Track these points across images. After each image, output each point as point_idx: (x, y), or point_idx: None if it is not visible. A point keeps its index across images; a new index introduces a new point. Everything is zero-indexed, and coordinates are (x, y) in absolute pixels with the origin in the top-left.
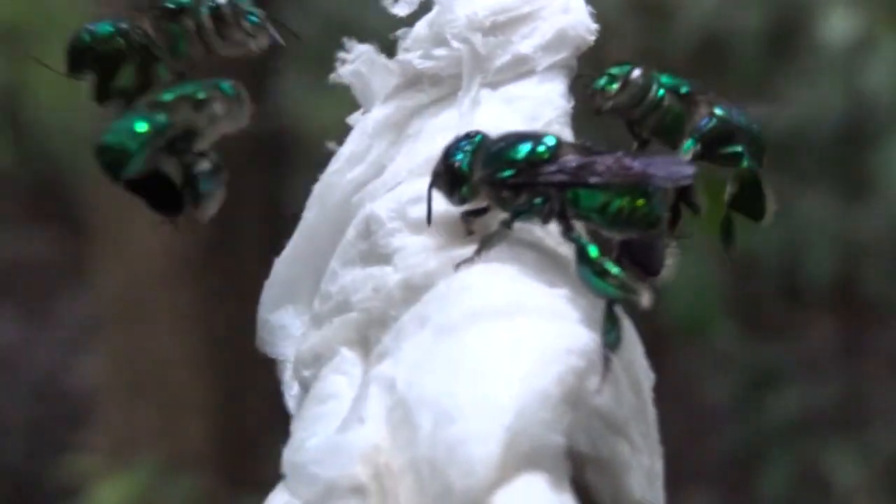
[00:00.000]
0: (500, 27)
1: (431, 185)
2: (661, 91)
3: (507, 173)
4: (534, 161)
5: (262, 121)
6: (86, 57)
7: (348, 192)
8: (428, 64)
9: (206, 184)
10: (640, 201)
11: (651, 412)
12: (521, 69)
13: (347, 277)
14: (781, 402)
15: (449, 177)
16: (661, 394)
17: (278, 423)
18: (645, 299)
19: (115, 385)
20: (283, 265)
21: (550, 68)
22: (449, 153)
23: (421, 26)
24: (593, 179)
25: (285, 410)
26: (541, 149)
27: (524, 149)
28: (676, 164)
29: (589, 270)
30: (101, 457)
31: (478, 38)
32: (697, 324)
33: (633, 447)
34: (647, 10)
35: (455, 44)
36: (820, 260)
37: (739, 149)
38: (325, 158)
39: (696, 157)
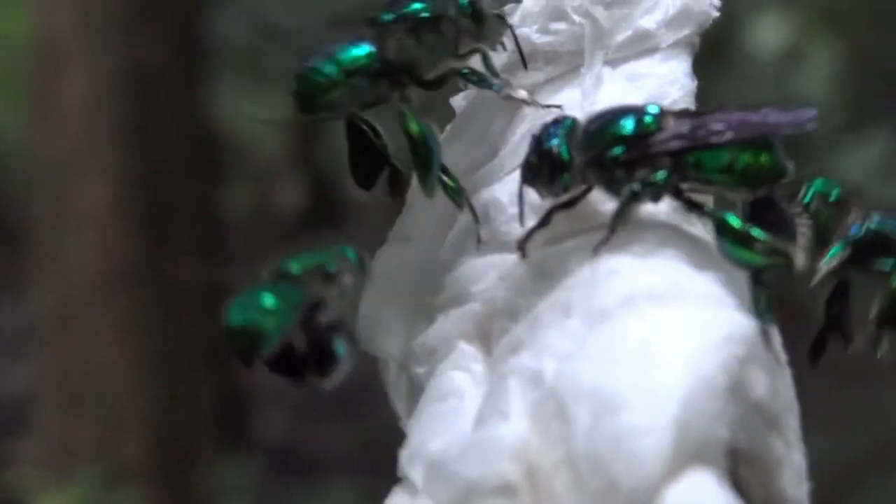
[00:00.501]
0: (621, 0)
1: (523, 181)
2: (808, 197)
3: (619, 150)
4: (643, 133)
5: (194, 128)
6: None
7: (462, 176)
8: (547, 39)
9: (337, 356)
10: (764, 154)
11: (796, 405)
12: (643, 45)
13: (463, 267)
14: None
15: (547, 166)
16: None
17: (216, 435)
18: (800, 260)
19: (51, 396)
20: (386, 257)
21: (674, 45)
22: (541, 141)
23: (530, 1)
24: (716, 139)
25: (224, 422)
26: (648, 119)
27: (630, 123)
28: (794, 109)
29: (732, 242)
30: (38, 469)
31: (600, 12)
32: None
33: (787, 443)
34: None
35: (576, 17)
36: None
37: (893, 262)
38: (256, 164)
39: (843, 264)
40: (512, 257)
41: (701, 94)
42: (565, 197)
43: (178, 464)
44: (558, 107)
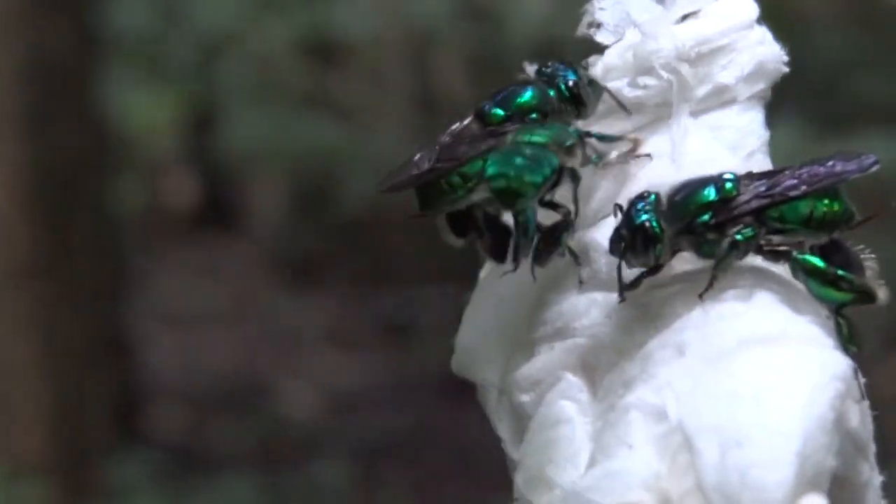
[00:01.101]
0: (702, 58)
1: (612, 252)
2: None
3: (707, 216)
4: (726, 198)
5: (90, 122)
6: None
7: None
8: (637, 93)
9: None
10: (836, 201)
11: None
12: (722, 99)
13: (565, 303)
14: None
15: (641, 240)
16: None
17: (114, 430)
18: (883, 294)
19: None
20: (485, 289)
21: (750, 98)
22: (631, 217)
23: (614, 55)
24: (793, 193)
25: (121, 417)
26: (728, 185)
27: (712, 191)
28: (856, 157)
29: (820, 282)
30: None
31: (685, 68)
32: None
33: (871, 467)
34: (477, 17)
35: (663, 73)
36: None
37: None
38: (148, 159)
39: None
40: (614, 296)
41: None
42: (650, 266)
43: (76, 459)
44: (647, 156)
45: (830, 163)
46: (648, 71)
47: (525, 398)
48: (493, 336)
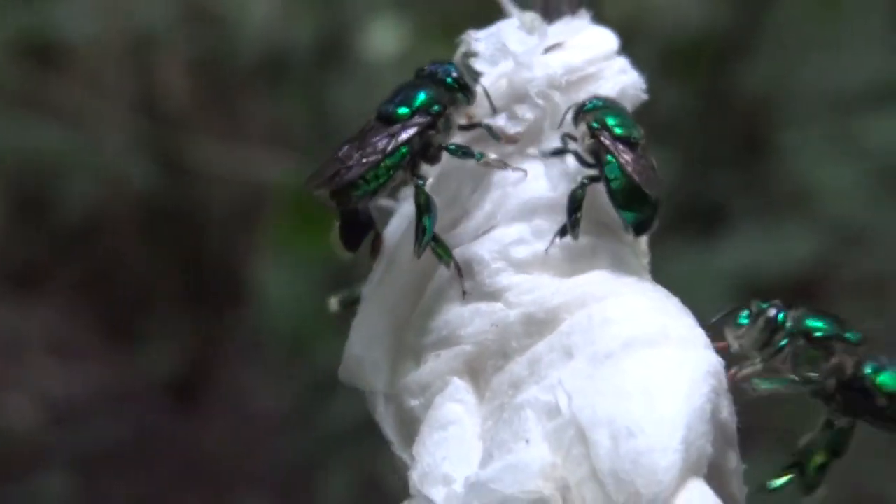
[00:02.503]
0: (571, 86)
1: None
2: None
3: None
4: None
5: None
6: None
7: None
8: (518, 128)
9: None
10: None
11: None
12: None
13: (450, 313)
14: (338, 408)
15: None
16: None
17: None
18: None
19: None
20: (371, 302)
21: None
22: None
23: (488, 82)
24: None
25: None
26: None
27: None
28: None
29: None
30: None
31: (557, 96)
32: (302, 337)
33: (737, 455)
34: (201, 20)
35: (538, 100)
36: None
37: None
38: None
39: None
40: (498, 305)
41: (317, 101)
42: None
43: None
44: (524, 170)
45: None
46: (523, 98)
47: (414, 402)
48: (378, 346)
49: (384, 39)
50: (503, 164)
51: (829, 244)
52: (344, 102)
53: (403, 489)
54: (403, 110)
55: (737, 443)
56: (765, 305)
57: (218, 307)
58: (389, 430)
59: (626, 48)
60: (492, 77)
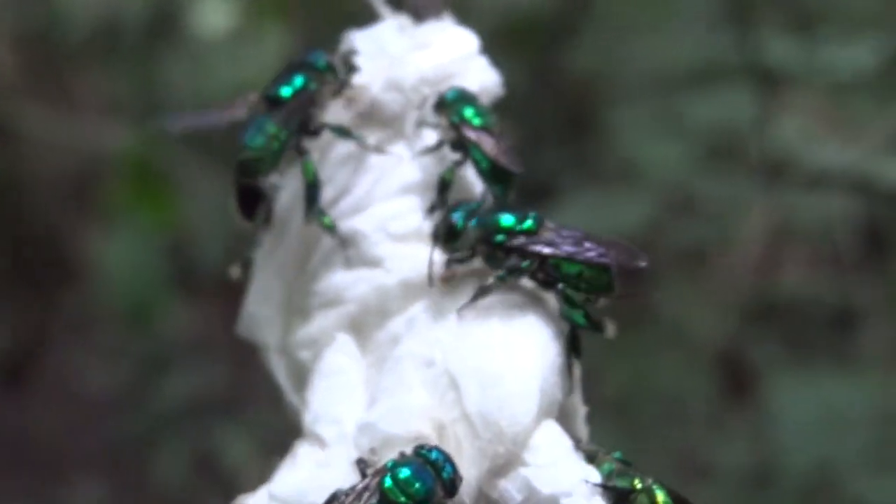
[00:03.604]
0: (438, 81)
1: (433, 245)
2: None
3: (501, 238)
4: (523, 231)
5: None
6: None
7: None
8: (387, 98)
9: None
10: (602, 274)
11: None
12: None
13: (335, 278)
14: (172, 387)
15: (446, 232)
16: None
17: None
18: (611, 330)
19: None
20: (262, 265)
21: None
22: (447, 214)
23: (367, 77)
24: (573, 256)
25: None
26: (529, 223)
27: (515, 219)
28: (632, 254)
29: (573, 313)
30: None
31: (426, 90)
32: (142, 309)
33: (581, 401)
34: None
35: (410, 94)
36: (211, 246)
37: None
38: None
39: None
40: (378, 271)
41: (147, 79)
42: (458, 255)
43: None
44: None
45: (609, 251)
46: (397, 90)
47: (305, 354)
48: (270, 304)
49: (213, 16)
50: (380, 149)
51: (655, 214)
52: (174, 77)
53: (289, 432)
54: (286, 91)
55: (580, 391)
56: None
57: (46, 284)
58: (282, 378)
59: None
60: (370, 72)
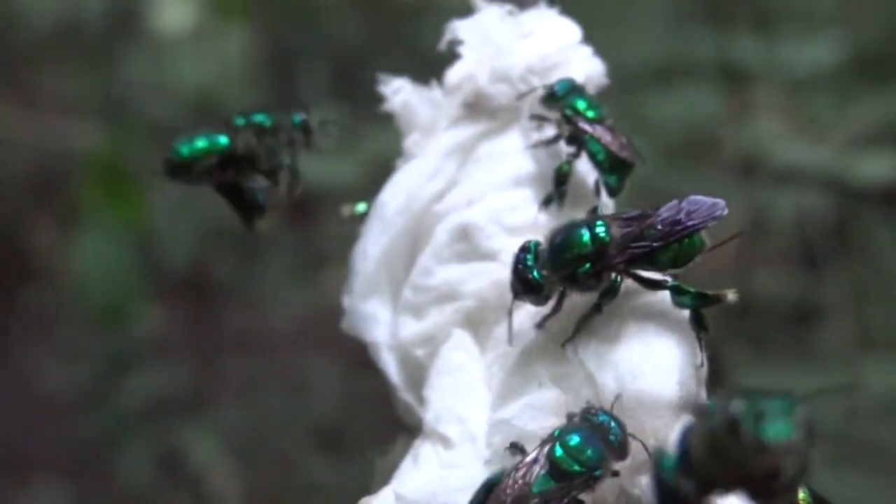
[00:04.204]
0: (546, 71)
1: (514, 297)
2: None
3: (586, 267)
4: (601, 248)
5: None
6: (185, 169)
7: (427, 203)
8: (494, 90)
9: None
10: (692, 240)
11: None
12: None
13: (449, 272)
14: (135, 387)
15: (526, 290)
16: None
17: None
18: (731, 295)
19: None
20: (367, 261)
21: None
22: (518, 271)
23: (470, 67)
24: (657, 244)
25: None
26: (601, 234)
27: (587, 242)
28: (708, 205)
29: (688, 299)
30: None
31: (535, 80)
32: (116, 310)
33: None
34: None
35: (518, 84)
36: (175, 247)
37: None
38: None
39: None
40: (493, 265)
41: (109, 77)
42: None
43: None
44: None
45: (685, 212)
46: (504, 80)
47: (420, 352)
48: (376, 301)
49: (174, 13)
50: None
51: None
52: (136, 75)
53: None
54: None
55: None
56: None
57: (7, 283)
58: (394, 375)
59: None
60: (474, 61)
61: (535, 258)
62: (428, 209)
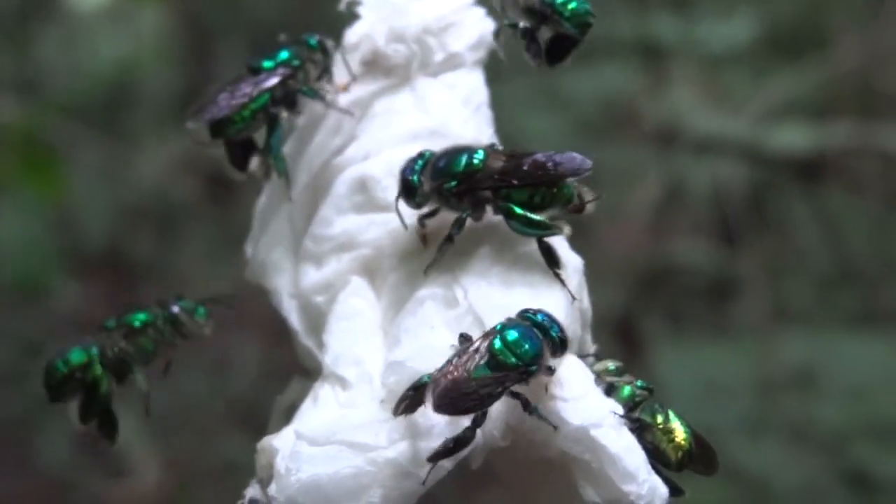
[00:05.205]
0: (441, 31)
1: (397, 198)
2: None
3: (453, 184)
4: (470, 172)
5: None
6: (67, 385)
7: (328, 158)
8: (390, 51)
9: None
10: (555, 190)
11: None
12: (454, 63)
13: (348, 222)
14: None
15: (405, 190)
16: None
17: None
18: (566, 230)
19: None
20: (270, 213)
21: (474, 63)
22: (403, 170)
23: (367, 27)
24: (515, 182)
25: None
26: (475, 162)
27: (461, 163)
28: (575, 160)
29: (518, 223)
30: None
31: (431, 40)
32: (33, 284)
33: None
34: None
35: (412, 44)
36: (93, 223)
37: None
38: None
39: None
40: (389, 216)
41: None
42: (425, 210)
43: None
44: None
45: (554, 162)
46: (400, 40)
47: (319, 299)
48: (280, 250)
49: None
50: (345, 111)
51: None
52: (51, 53)
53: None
54: (268, 64)
55: (590, 326)
56: None
57: None
58: (295, 321)
59: None
60: (372, 21)
61: (424, 165)
62: (328, 163)
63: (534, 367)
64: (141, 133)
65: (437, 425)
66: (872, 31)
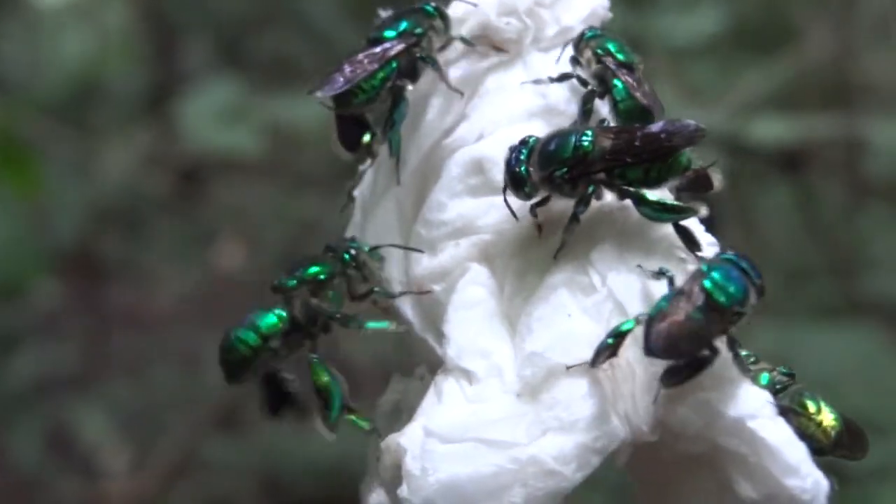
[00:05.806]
0: (552, 3)
1: (504, 190)
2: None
3: (563, 171)
4: (580, 156)
5: None
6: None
7: (438, 138)
8: (502, 24)
9: None
10: (671, 161)
11: None
12: (566, 37)
13: (463, 206)
14: (23, 364)
15: (512, 180)
16: None
17: None
18: (703, 211)
19: None
20: (374, 200)
21: None
22: (509, 160)
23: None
24: (630, 160)
25: None
26: (585, 144)
27: (569, 148)
28: (691, 126)
29: (651, 209)
30: None
31: (544, 13)
32: (14, 283)
33: None
34: None
35: (525, 18)
36: (64, 222)
37: None
38: None
39: None
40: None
41: None
42: (536, 199)
43: None
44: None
45: (666, 132)
46: (511, 13)
47: (437, 287)
48: (389, 238)
49: None
50: (456, 90)
51: None
52: (14, 49)
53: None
54: (390, 33)
55: None
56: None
57: None
58: (409, 313)
59: None
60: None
61: (529, 154)
62: (438, 143)
63: (746, 309)
64: (108, 130)
65: (581, 419)
66: (843, 22)
